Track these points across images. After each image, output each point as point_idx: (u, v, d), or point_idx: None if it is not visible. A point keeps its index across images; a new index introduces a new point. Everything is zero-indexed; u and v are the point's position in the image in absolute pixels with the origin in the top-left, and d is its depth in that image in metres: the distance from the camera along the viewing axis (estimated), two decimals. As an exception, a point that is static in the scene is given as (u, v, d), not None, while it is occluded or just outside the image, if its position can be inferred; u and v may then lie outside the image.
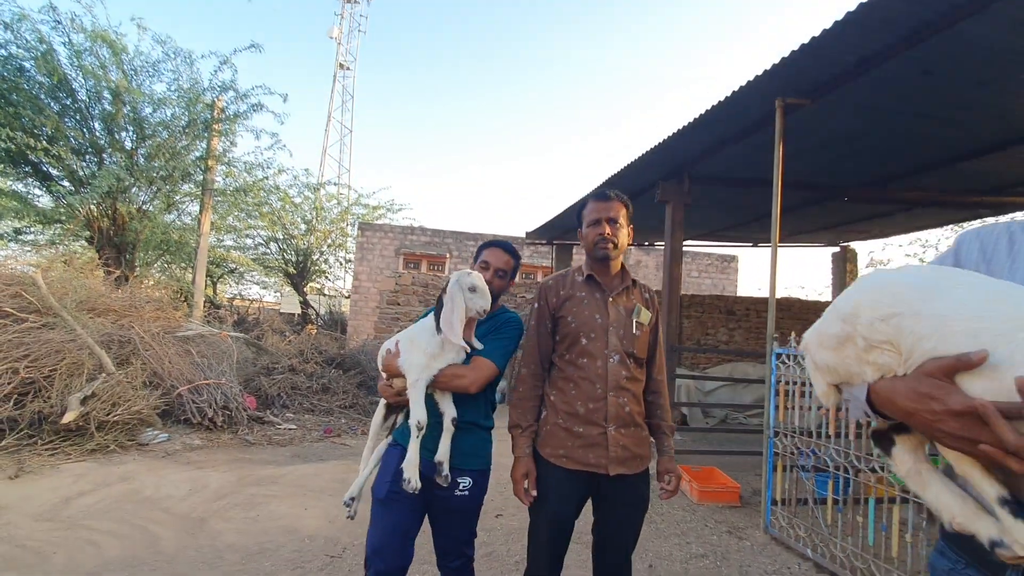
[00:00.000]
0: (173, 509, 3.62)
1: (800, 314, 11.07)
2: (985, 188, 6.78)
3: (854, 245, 11.41)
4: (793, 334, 3.87)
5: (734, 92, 4.24)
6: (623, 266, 2.06)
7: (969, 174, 6.17)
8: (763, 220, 8.01)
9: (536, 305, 2.04)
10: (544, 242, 11.37)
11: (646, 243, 11.48)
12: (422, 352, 1.79)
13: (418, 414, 1.73)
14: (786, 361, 3.96)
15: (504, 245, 2.09)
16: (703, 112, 4.64)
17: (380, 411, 2.03)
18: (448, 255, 13.47)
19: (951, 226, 13.15)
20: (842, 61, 3.81)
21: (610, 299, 1.96)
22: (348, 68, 30.47)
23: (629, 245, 2.01)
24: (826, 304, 11.30)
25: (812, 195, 7.05)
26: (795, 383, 3.87)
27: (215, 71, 8.69)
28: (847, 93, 4.23)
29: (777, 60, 3.85)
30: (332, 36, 29.97)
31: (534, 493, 1.91)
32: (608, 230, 1.93)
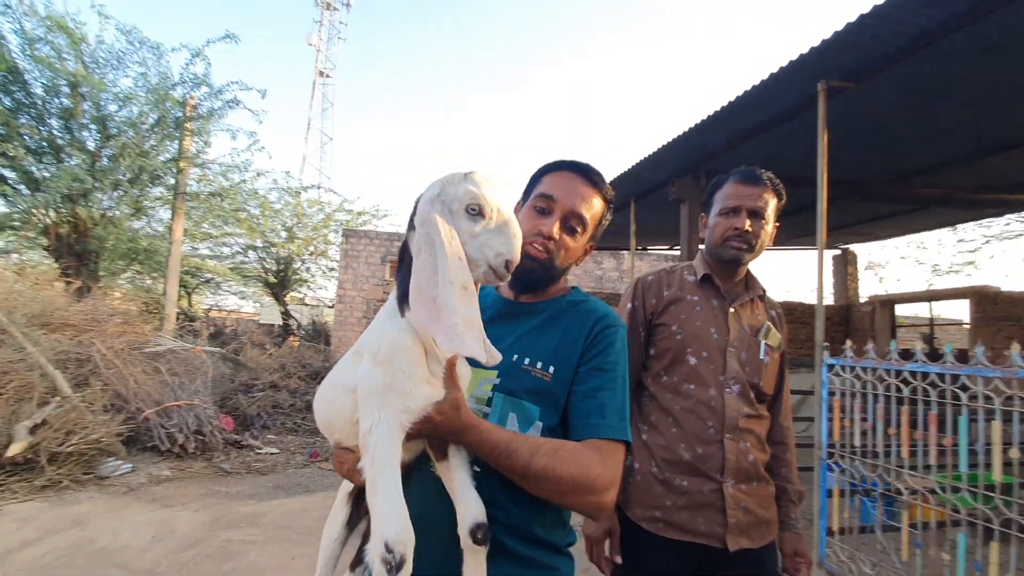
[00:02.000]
0: (132, 564, 3.01)
1: (803, 318, 10.76)
2: (1003, 185, 6.50)
3: (853, 247, 11.19)
4: (849, 343, 3.44)
5: (773, 74, 3.83)
6: (749, 272, 1.58)
7: (993, 169, 5.87)
8: (782, 220, 7.62)
9: (629, 305, 1.54)
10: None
11: (642, 248, 11.10)
12: (381, 364, 0.83)
13: (388, 522, 0.73)
14: (840, 372, 3.52)
15: (584, 169, 1.11)
16: (734, 99, 4.22)
17: (340, 507, 1.07)
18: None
19: (948, 228, 13.09)
20: (899, 34, 3.41)
21: (731, 310, 1.48)
22: (328, 76, 29.86)
23: (767, 247, 1.51)
24: (810, 307, 11.05)
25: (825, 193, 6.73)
26: (852, 395, 3.43)
27: (187, 64, 8.05)
28: (895, 75, 3.85)
29: (819, 41, 3.46)
30: (311, 43, 29.33)
31: (618, 559, 1.41)
32: (748, 224, 1.44)
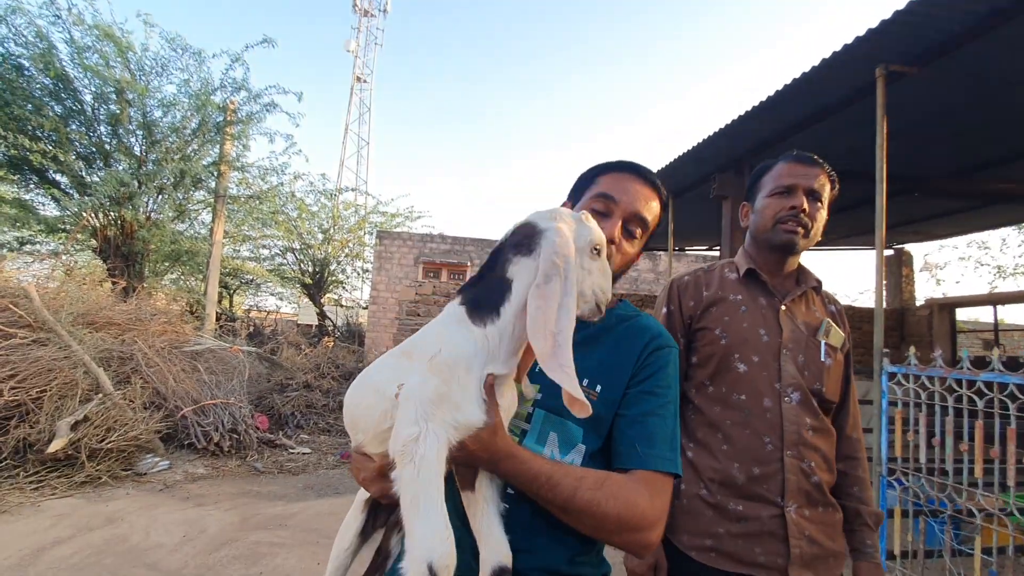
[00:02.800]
0: (160, 564, 3.00)
1: (852, 322, 10.18)
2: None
3: (908, 247, 10.56)
4: (912, 349, 3.16)
5: (826, 59, 3.57)
6: (801, 264, 1.41)
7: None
8: (832, 217, 7.22)
9: (664, 310, 1.40)
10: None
11: (680, 248, 10.75)
12: (439, 370, 0.76)
13: (432, 544, 0.67)
14: (903, 382, 3.23)
15: (643, 171, 1.05)
16: (783, 86, 3.96)
17: (354, 515, 1.00)
18: (469, 263, 12.86)
19: (1013, 226, 12.24)
20: (966, 14, 3.12)
21: (782, 308, 1.31)
22: (365, 81, 30.36)
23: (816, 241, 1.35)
24: (870, 311, 10.44)
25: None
26: (917, 406, 3.14)
27: (227, 69, 8.23)
28: (959, 60, 3.53)
29: (878, 21, 3.19)
30: (349, 50, 29.88)
31: None
32: (806, 204, 1.28)
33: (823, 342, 1.29)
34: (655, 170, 4.95)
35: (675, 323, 1.37)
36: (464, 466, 0.82)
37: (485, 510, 0.82)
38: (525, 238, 0.83)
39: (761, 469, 1.21)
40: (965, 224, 8.40)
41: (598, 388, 0.93)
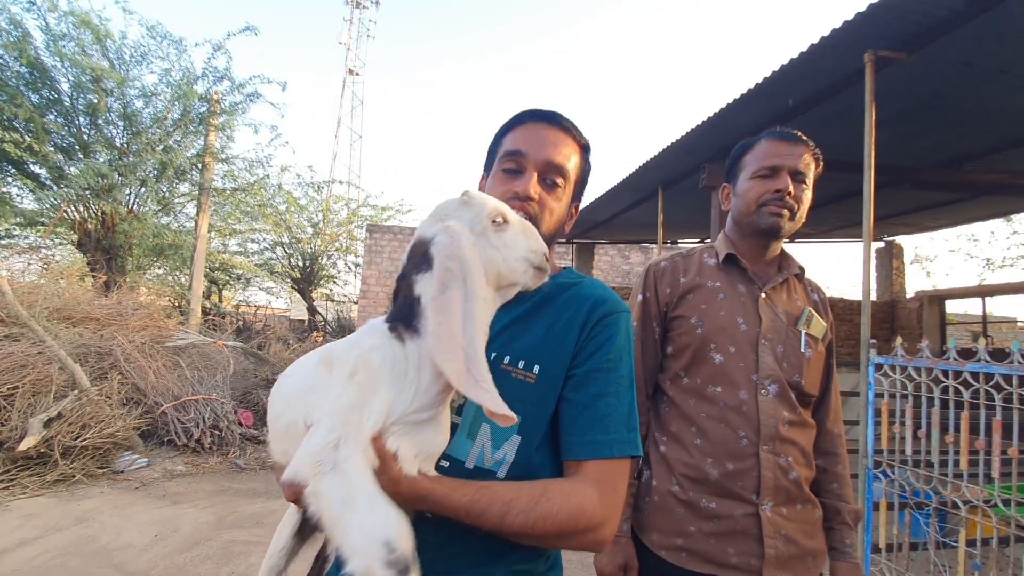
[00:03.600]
0: (128, 565, 2.91)
1: (843, 314, 10.20)
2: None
3: (899, 240, 10.55)
4: (899, 340, 3.11)
5: (815, 45, 3.49)
6: (783, 250, 1.34)
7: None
8: (817, 210, 7.18)
9: (640, 297, 1.33)
10: (563, 240, 10.64)
11: (672, 241, 10.71)
12: (356, 384, 0.69)
13: (384, 525, 0.59)
14: (889, 373, 3.18)
15: (549, 116, 0.93)
16: (771, 73, 3.88)
17: (289, 514, 0.92)
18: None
19: (1002, 218, 12.27)
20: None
21: (762, 295, 1.25)
22: (357, 73, 30.07)
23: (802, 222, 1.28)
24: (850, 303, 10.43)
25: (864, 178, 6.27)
26: (903, 397, 3.08)
27: (209, 58, 8.07)
28: (949, 45, 3.46)
29: (867, 5, 3.11)
30: (341, 42, 29.58)
31: None
32: (791, 186, 1.21)
33: (804, 332, 1.22)
34: (643, 162, 4.78)
35: (651, 311, 1.30)
36: None
37: None
38: (421, 255, 0.75)
39: (736, 465, 1.14)
40: (955, 216, 8.38)
41: (535, 368, 0.82)
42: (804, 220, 1.28)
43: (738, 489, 1.13)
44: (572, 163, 0.92)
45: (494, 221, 0.76)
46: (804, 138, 1.26)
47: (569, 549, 0.80)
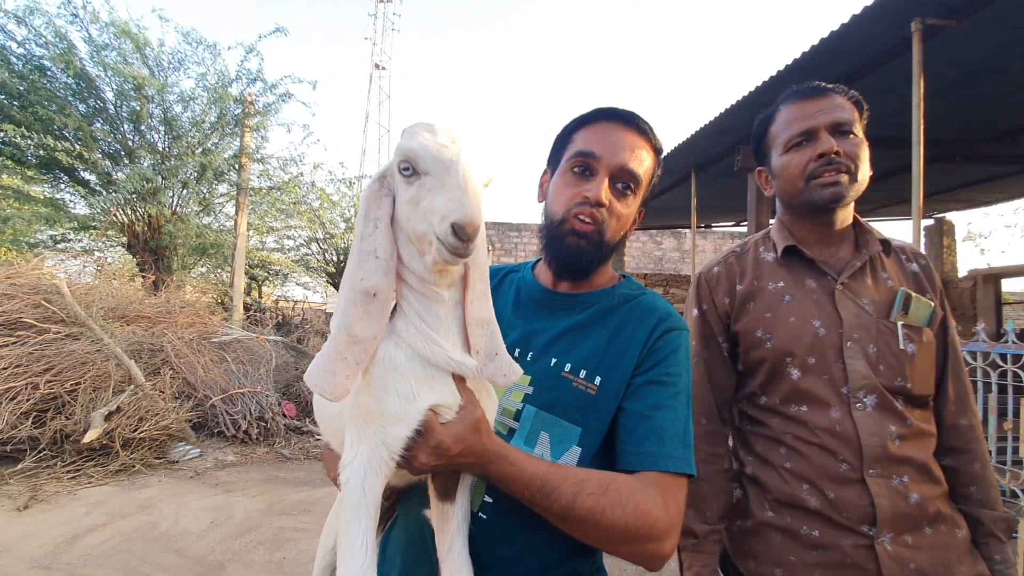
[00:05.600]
0: (188, 551, 3.06)
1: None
2: None
3: (950, 216, 10.06)
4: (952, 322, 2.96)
5: (857, 15, 3.34)
6: (858, 220, 1.11)
7: None
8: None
9: (696, 311, 1.16)
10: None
11: (706, 225, 10.47)
12: (368, 384, 0.68)
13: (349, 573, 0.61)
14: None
15: (627, 116, 0.88)
16: (810, 47, 3.74)
17: (336, 510, 0.99)
18: (490, 248, 12.80)
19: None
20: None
21: (838, 287, 1.04)
22: (383, 68, 30.28)
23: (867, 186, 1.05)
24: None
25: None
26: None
27: (242, 61, 8.28)
28: (1002, 10, 3.26)
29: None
30: (367, 37, 29.81)
31: None
32: (835, 144, 1.00)
33: (900, 324, 1.01)
34: (676, 144, 4.69)
35: (711, 326, 1.13)
36: (447, 472, 0.73)
37: (457, 529, 0.73)
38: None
39: (837, 492, 0.97)
40: (1011, 190, 7.94)
41: (597, 380, 0.82)
42: (869, 175, 1.05)
43: (843, 520, 0.97)
44: (645, 168, 0.87)
45: (401, 171, 0.64)
46: (829, 86, 1.06)
47: (627, 557, 0.77)
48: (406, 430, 0.64)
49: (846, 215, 1.08)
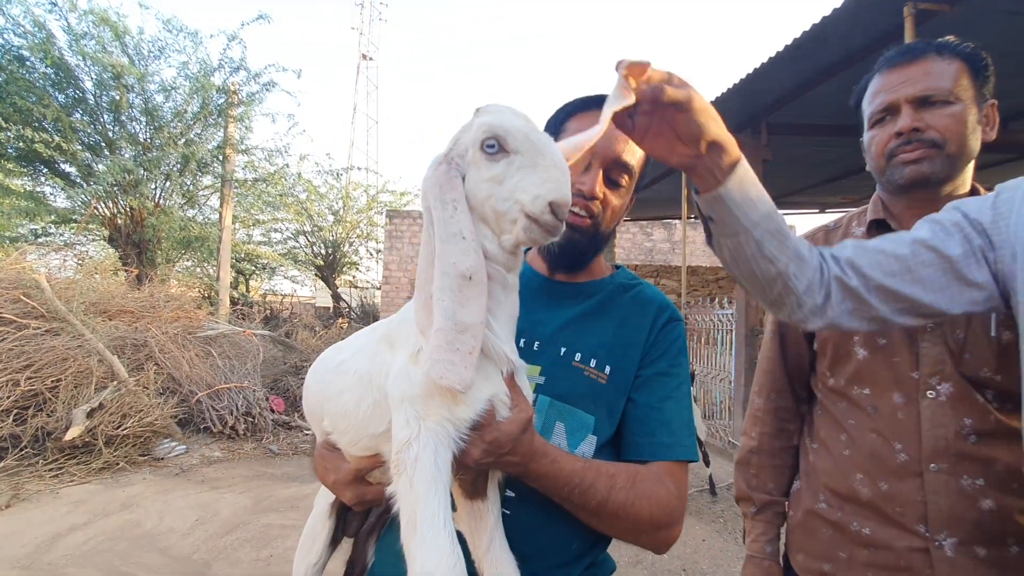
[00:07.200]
0: (172, 549, 3.00)
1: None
2: None
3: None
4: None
5: (848, 1, 3.30)
6: (977, 190, 0.99)
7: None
8: (846, 179, 6.93)
9: None
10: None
11: (694, 216, 10.45)
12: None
13: (431, 563, 0.56)
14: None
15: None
16: (801, 34, 3.70)
17: (320, 521, 0.92)
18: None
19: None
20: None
21: None
22: (371, 58, 29.91)
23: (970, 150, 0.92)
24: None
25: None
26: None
27: (224, 49, 8.10)
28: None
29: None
30: (354, 27, 29.41)
31: None
32: (912, 120, 0.91)
33: None
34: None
35: None
36: (484, 470, 0.70)
37: (494, 526, 0.70)
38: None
39: (890, 485, 0.91)
40: (1003, 178, 7.99)
41: (607, 369, 0.83)
42: (977, 144, 0.93)
43: (896, 515, 0.90)
44: (638, 157, 0.86)
45: (485, 148, 0.62)
46: (923, 46, 0.95)
47: (643, 544, 0.81)
48: (471, 413, 0.62)
49: (953, 187, 0.95)
